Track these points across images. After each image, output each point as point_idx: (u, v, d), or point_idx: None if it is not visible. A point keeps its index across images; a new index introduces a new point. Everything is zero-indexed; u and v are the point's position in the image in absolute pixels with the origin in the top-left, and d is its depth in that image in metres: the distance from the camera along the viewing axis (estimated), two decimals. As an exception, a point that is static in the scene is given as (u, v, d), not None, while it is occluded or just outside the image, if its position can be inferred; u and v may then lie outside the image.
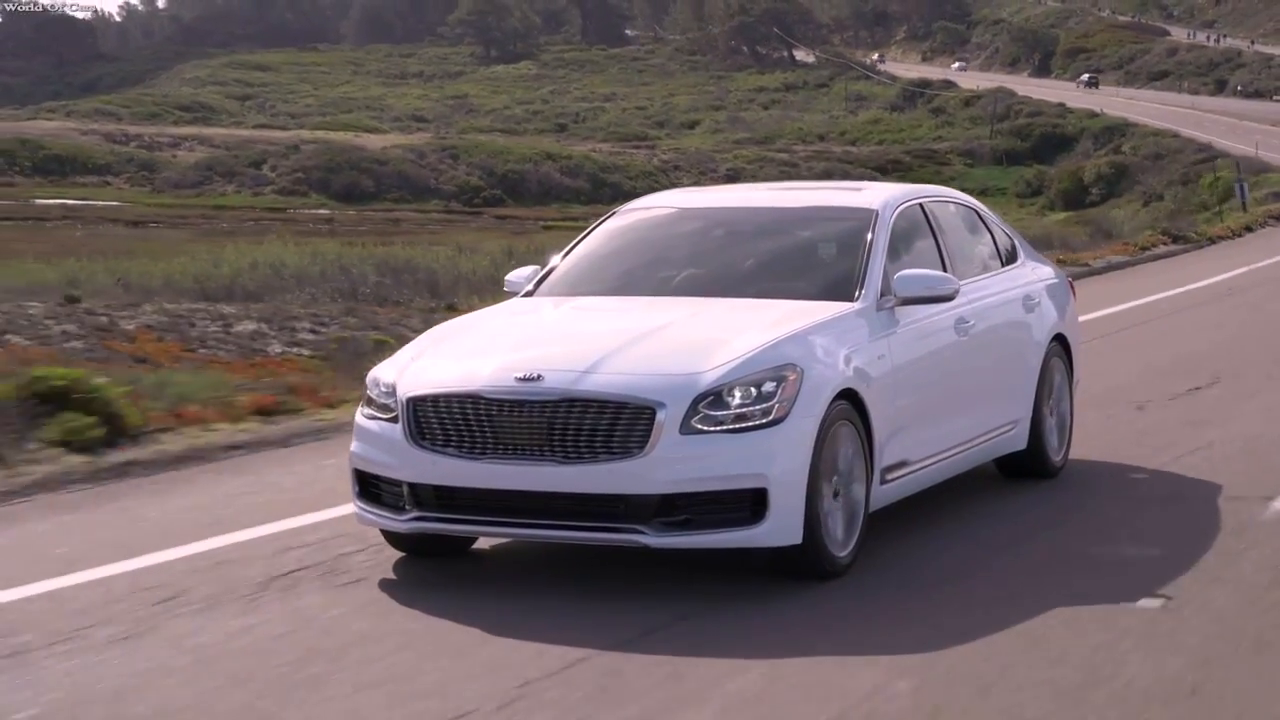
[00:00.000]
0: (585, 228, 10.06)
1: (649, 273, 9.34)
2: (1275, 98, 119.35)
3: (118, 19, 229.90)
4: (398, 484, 7.89)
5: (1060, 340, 10.71)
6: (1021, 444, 10.11)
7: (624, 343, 7.88)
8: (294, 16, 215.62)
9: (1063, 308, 10.89)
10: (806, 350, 7.84)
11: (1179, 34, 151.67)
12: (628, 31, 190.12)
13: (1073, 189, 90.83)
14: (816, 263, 9.21)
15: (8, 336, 17.97)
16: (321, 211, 79.24)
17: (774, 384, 7.56)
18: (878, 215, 9.16)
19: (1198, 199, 68.80)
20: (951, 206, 10.29)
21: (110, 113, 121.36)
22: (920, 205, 9.71)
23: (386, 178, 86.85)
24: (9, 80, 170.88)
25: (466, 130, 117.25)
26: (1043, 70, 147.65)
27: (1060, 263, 30.28)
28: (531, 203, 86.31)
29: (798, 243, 9.45)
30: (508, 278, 9.67)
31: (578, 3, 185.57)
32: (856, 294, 8.61)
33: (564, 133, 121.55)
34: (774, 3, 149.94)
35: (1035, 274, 10.79)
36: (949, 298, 8.90)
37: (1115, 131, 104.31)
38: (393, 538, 8.31)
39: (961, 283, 9.19)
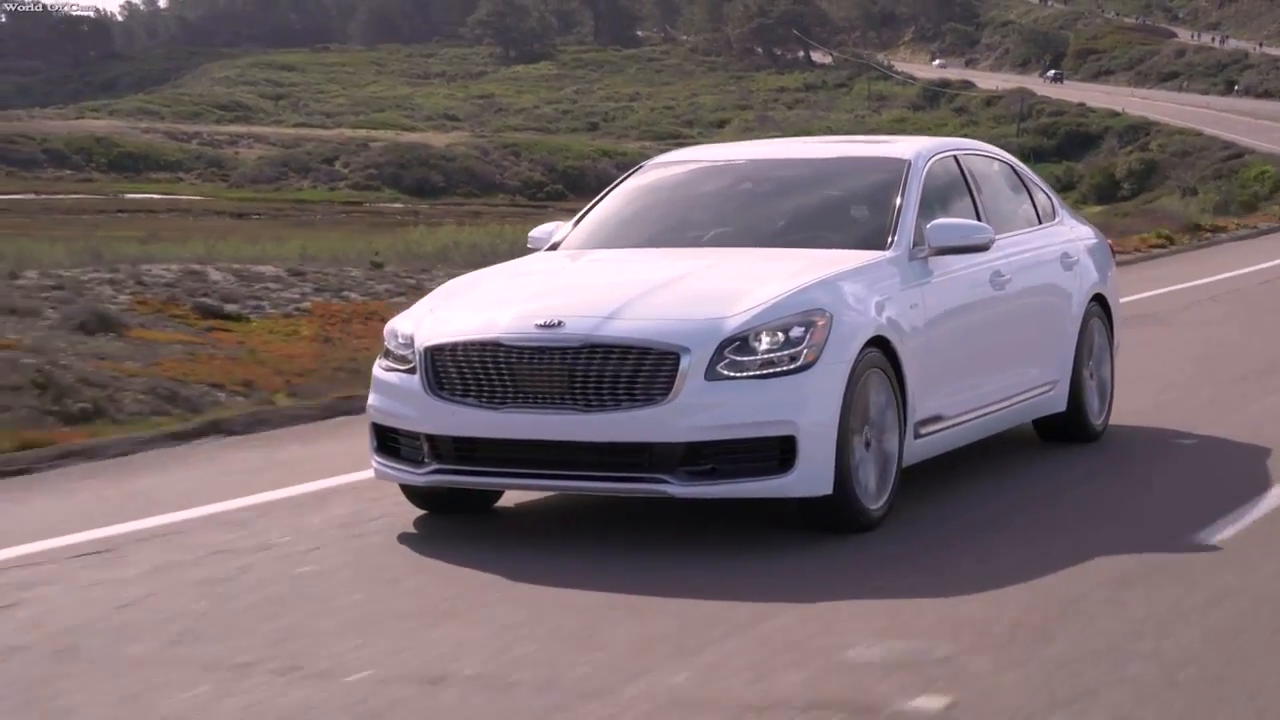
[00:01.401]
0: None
1: (674, 226, 9.17)
2: None
3: (120, 18, 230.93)
4: (416, 436, 7.75)
5: (1100, 301, 10.44)
6: (1061, 406, 9.90)
7: (647, 289, 7.72)
8: (298, 17, 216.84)
9: (1103, 268, 10.59)
10: (836, 296, 7.65)
11: (1184, 36, 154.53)
12: (639, 33, 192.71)
13: (1105, 184, 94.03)
14: (847, 213, 9.02)
15: (345, 293, 21.24)
16: (396, 205, 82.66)
17: (802, 329, 7.38)
18: (910, 165, 8.95)
19: (1247, 191, 71.20)
20: (986, 160, 10.04)
21: (153, 111, 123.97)
22: (955, 157, 9.49)
23: (454, 173, 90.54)
24: (23, 80, 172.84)
25: (501, 129, 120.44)
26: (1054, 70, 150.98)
27: (1218, 228, 33.79)
28: (592, 196, 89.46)
29: (827, 193, 9.23)
30: (531, 234, 9.57)
31: (590, 4, 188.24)
32: (889, 242, 8.43)
33: (596, 131, 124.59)
34: (792, 5, 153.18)
35: (1074, 233, 10.52)
36: (984, 247, 8.71)
37: (1139, 130, 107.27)
38: (413, 494, 8.20)
39: (997, 237, 8.99)
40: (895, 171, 8.91)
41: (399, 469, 7.89)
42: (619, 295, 7.62)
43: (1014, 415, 9.45)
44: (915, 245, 8.45)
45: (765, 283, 7.69)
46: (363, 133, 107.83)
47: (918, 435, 8.13)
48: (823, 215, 9.02)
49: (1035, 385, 9.57)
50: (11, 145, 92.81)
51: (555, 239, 9.29)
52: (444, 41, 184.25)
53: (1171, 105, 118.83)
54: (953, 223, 8.63)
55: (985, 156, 10.04)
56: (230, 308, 18.71)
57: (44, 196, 79.29)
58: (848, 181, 9.23)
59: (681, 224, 9.15)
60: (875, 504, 7.72)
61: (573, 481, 7.54)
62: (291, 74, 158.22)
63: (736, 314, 7.40)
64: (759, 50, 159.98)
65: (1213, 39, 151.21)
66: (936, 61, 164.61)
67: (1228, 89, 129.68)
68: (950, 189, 9.21)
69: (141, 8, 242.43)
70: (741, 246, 8.66)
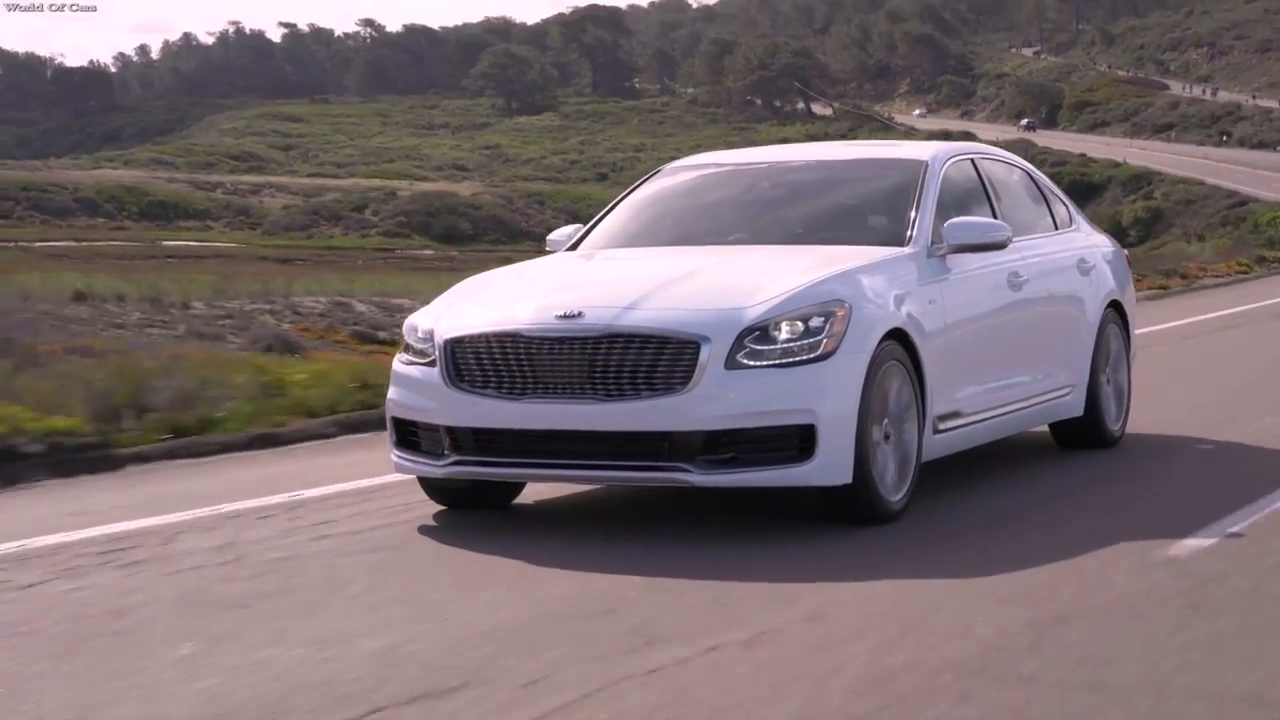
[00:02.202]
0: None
1: (692, 227, 9.16)
2: (1279, 148, 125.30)
3: (113, 69, 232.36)
4: (436, 428, 7.74)
5: (1117, 308, 10.46)
6: (1078, 410, 9.94)
7: (667, 281, 7.73)
8: (294, 69, 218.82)
9: (1120, 276, 10.63)
10: (855, 288, 7.67)
11: (1177, 88, 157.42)
12: (636, 84, 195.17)
13: (1111, 232, 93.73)
14: (866, 211, 9.01)
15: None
16: (428, 251, 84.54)
17: (822, 319, 7.38)
18: (928, 166, 8.98)
19: (1262, 235, 71.98)
20: (1004, 166, 10.06)
21: (167, 162, 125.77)
22: (971, 160, 9.53)
23: (481, 221, 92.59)
24: (21, 131, 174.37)
25: (510, 179, 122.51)
26: (1050, 122, 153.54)
27: (1262, 259, 36.17)
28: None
29: (846, 193, 9.24)
30: (549, 238, 9.52)
31: (588, 56, 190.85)
32: (907, 239, 8.46)
33: (606, 180, 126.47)
34: (792, 59, 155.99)
35: (1090, 240, 10.54)
36: (1001, 245, 8.72)
37: (1142, 179, 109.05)
38: (431, 489, 8.23)
39: (1015, 239, 9.01)
40: (913, 172, 8.96)
41: (418, 461, 7.89)
42: (638, 287, 7.64)
43: (1032, 417, 9.50)
44: (933, 243, 8.50)
45: (784, 275, 7.73)
46: (377, 182, 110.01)
47: (937, 430, 8.16)
48: (841, 215, 9.05)
49: (1053, 388, 9.60)
50: (45, 194, 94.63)
51: (573, 241, 9.33)
52: (442, 93, 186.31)
53: (1170, 155, 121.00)
54: (970, 221, 8.69)
55: (1003, 162, 10.09)
56: (382, 334, 20.19)
57: (84, 243, 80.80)
58: (865, 182, 9.26)
59: (699, 225, 9.16)
60: (895, 496, 7.73)
61: (593, 471, 7.53)
62: (298, 125, 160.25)
63: (756, 304, 7.42)
64: (758, 102, 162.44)
65: (1203, 91, 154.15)
66: (917, 111, 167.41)
67: (1222, 140, 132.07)
68: (967, 192, 9.26)
69: (134, 59, 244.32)
70: (760, 245, 8.71)
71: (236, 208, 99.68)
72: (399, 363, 8.05)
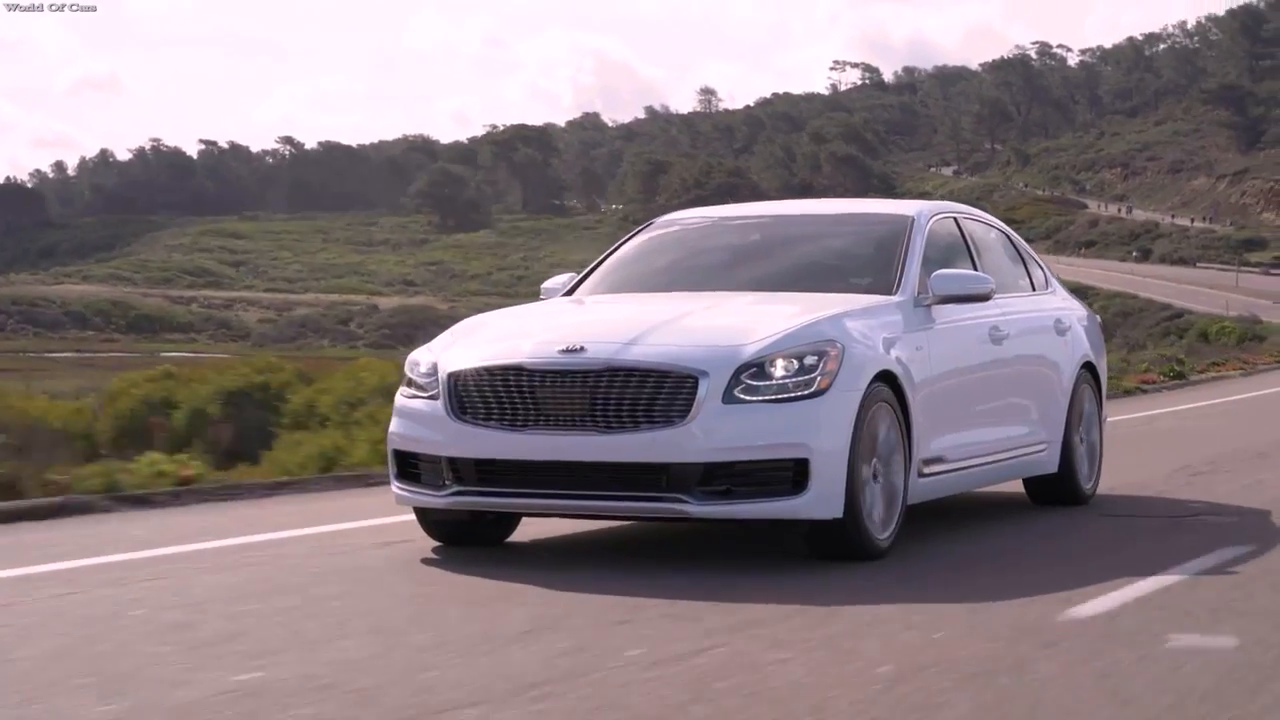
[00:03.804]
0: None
1: (686, 274, 9.33)
2: (1198, 264, 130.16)
3: (29, 185, 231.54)
4: (437, 460, 7.86)
5: (1090, 370, 10.68)
6: (1053, 467, 10.13)
7: (665, 320, 7.89)
8: (214, 185, 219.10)
9: (1094, 340, 10.86)
10: (847, 330, 7.86)
11: (1094, 206, 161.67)
12: (565, 202, 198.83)
13: None
14: (855, 262, 9.23)
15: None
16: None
17: (816, 357, 7.58)
18: (914, 220, 9.22)
19: (1213, 344, 72.40)
20: (984, 226, 10.27)
21: (124, 277, 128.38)
22: (955, 219, 9.78)
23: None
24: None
25: (461, 294, 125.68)
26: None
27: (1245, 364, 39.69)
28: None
29: (836, 245, 9.49)
30: (544, 285, 9.66)
31: (517, 174, 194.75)
32: (895, 288, 8.66)
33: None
34: (727, 178, 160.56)
35: (1066, 303, 10.82)
36: (985, 297, 8.94)
37: (1077, 293, 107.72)
38: (429, 524, 8.36)
39: (996, 295, 9.23)
40: (900, 225, 9.21)
41: (419, 493, 8.03)
42: (638, 325, 7.81)
43: (1010, 469, 9.75)
44: (920, 293, 8.72)
45: (778, 317, 7.95)
46: (336, 296, 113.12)
47: (921, 474, 8.37)
48: (830, 265, 9.28)
49: (1030, 443, 9.84)
50: (35, 308, 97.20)
51: (568, 288, 9.49)
52: (362, 213, 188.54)
53: (1098, 271, 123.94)
54: (956, 272, 8.94)
55: (983, 223, 10.32)
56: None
57: (85, 354, 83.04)
58: (854, 235, 9.51)
59: (693, 272, 9.35)
60: (882, 534, 7.93)
61: (593, 501, 7.66)
62: (242, 241, 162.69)
63: (753, 342, 7.61)
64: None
65: (1119, 210, 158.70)
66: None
67: (1144, 256, 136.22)
68: (950, 248, 9.48)
69: (50, 176, 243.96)
70: (751, 291, 8.89)
71: (217, 320, 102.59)
72: (401, 397, 8.22)
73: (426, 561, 8.00)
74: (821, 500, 7.50)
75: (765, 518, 7.57)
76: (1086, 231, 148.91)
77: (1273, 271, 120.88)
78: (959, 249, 9.59)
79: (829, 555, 7.84)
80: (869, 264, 9.10)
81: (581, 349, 7.60)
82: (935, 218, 9.49)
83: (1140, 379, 30.75)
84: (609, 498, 7.60)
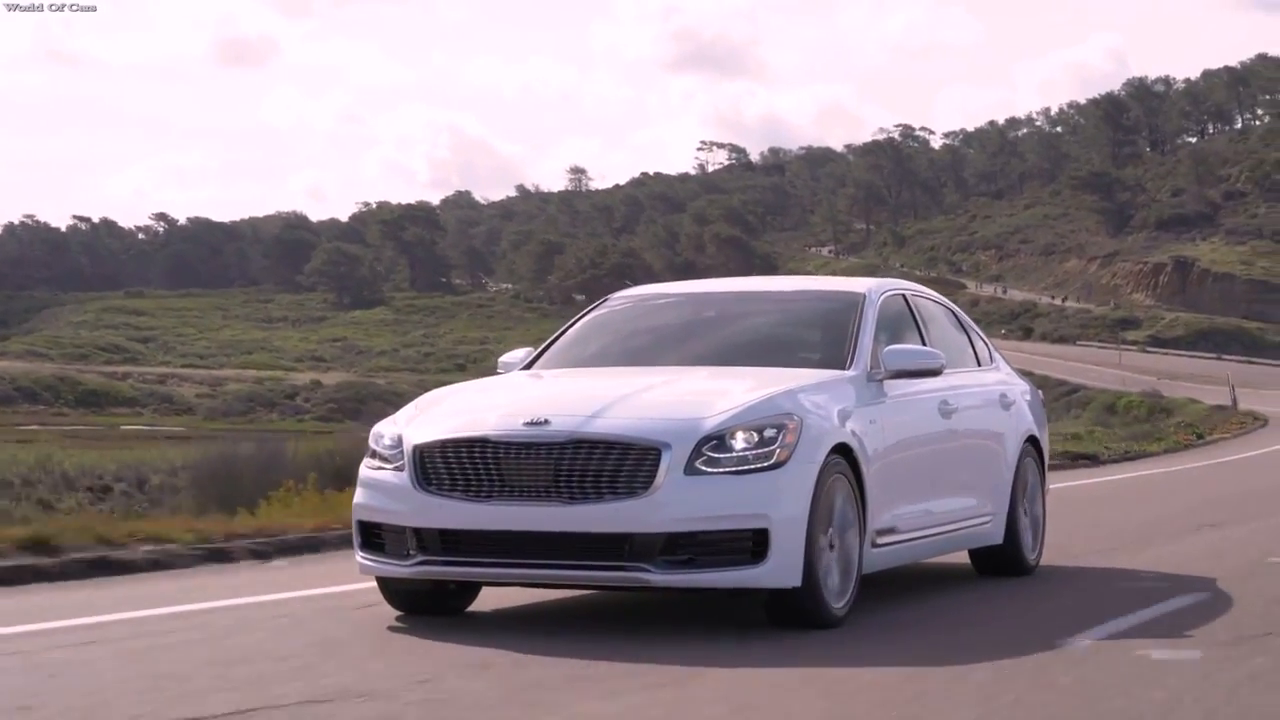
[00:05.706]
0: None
1: (642, 349, 9.51)
2: (1078, 343, 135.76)
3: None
4: (402, 530, 7.94)
5: (1034, 444, 10.86)
6: (998, 538, 10.28)
7: (627, 393, 8.07)
8: (89, 261, 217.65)
9: (1037, 415, 11.05)
10: (804, 404, 8.03)
11: (972, 287, 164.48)
12: (453, 280, 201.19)
13: None
14: (808, 337, 9.39)
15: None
16: (364, 435, 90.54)
17: (775, 430, 7.72)
18: (866, 297, 9.38)
19: (1123, 416, 77.01)
20: (931, 303, 10.44)
21: (40, 353, 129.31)
22: (903, 296, 9.93)
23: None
24: None
25: (374, 370, 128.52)
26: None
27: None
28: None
29: (789, 320, 9.65)
30: (501, 360, 9.76)
31: (405, 253, 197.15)
32: (848, 363, 8.83)
33: (466, 370, 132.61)
34: (621, 259, 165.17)
35: (1010, 379, 10.98)
36: (936, 371, 9.14)
37: None
38: (390, 594, 8.40)
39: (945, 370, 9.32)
40: (852, 303, 9.37)
41: (384, 562, 8.08)
42: (601, 398, 7.96)
43: (958, 540, 9.95)
44: (872, 368, 8.88)
45: (738, 390, 8.10)
46: (252, 372, 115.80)
47: (875, 544, 8.49)
48: (784, 339, 9.42)
49: (978, 514, 10.03)
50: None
51: (525, 362, 9.59)
52: (247, 288, 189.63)
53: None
54: (908, 348, 9.15)
55: (930, 300, 10.49)
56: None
57: (50, 428, 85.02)
58: (807, 311, 9.69)
59: (649, 347, 9.51)
60: (838, 603, 8.03)
61: (557, 570, 7.73)
62: (143, 318, 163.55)
63: (714, 415, 7.75)
64: (582, 297, 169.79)
65: (995, 290, 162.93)
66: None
67: (1025, 335, 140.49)
68: (900, 323, 9.65)
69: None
70: (708, 366, 9.00)
71: (160, 395, 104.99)
72: (366, 469, 8.27)
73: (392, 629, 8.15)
74: (781, 569, 7.66)
75: (726, 586, 7.71)
76: (968, 310, 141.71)
77: (1149, 349, 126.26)
78: (909, 325, 9.81)
79: (786, 623, 7.99)
80: (822, 339, 9.30)
81: (546, 421, 7.77)
82: (885, 294, 9.70)
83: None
84: (573, 567, 7.73)
